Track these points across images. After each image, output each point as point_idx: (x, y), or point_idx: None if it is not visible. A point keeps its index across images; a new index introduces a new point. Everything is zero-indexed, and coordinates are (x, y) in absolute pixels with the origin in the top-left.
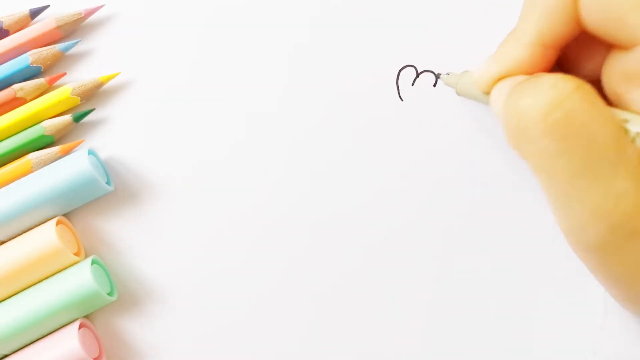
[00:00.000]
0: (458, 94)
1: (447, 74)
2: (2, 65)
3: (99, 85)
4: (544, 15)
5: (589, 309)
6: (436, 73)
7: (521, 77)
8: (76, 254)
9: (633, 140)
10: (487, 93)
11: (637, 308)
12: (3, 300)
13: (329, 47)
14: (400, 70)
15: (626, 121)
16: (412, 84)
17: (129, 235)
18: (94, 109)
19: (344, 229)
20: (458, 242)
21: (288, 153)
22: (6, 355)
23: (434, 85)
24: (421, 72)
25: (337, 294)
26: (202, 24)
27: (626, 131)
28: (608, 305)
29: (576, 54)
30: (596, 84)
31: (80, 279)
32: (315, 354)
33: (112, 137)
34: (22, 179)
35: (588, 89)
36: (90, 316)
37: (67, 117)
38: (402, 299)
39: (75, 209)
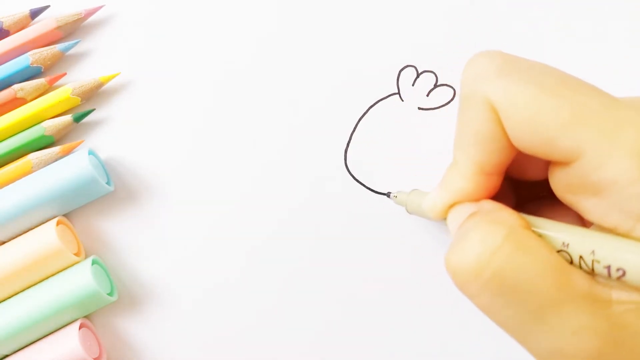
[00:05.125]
0: (409, 212)
1: (396, 195)
2: (2, 66)
3: (99, 85)
4: (478, 148)
5: None
6: (387, 193)
7: (470, 205)
8: (76, 254)
9: (579, 265)
10: (444, 219)
11: None
12: (4, 300)
13: (329, 47)
14: (400, 71)
15: (566, 245)
16: (413, 84)
17: (129, 235)
18: (94, 109)
19: (346, 229)
20: None
21: (290, 154)
22: (6, 355)
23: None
24: (421, 72)
25: (339, 295)
26: (202, 24)
27: (569, 258)
28: None
29: (525, 161)
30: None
31: (80, 279)
32: (315, 355)
33: (112, 137)
34: (23, 179)
35: (519, 234)
36: (90, 316)
37: (68, 117)
38: (410, 302)
39: (75, 209)
